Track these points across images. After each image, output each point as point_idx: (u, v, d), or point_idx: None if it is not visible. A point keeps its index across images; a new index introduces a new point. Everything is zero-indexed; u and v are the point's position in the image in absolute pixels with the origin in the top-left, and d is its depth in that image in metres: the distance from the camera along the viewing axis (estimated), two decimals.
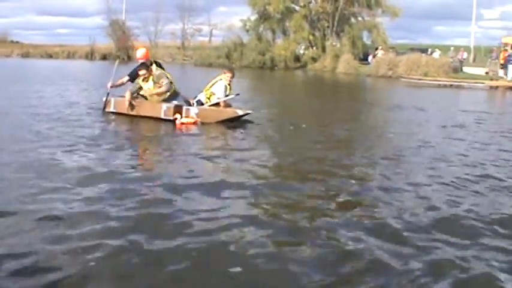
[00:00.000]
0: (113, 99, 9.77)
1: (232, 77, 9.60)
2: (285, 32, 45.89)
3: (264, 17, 44.70)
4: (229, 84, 9.48)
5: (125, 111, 9.45)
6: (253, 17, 45.08)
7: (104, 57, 47.60)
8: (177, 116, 8.91)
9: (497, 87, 23.66)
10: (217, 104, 9.31)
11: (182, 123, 8.79)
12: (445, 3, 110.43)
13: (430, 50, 35.45)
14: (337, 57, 38.86)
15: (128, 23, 52.52)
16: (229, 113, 9.08)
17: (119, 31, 50.42)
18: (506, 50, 28.42)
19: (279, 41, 45.84)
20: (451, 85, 24.49)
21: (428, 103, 15.56)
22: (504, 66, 25.96)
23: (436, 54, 34.25)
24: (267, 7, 43.40)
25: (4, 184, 4.83)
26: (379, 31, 42.14)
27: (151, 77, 9.49)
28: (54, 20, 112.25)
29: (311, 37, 43.72)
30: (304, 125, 9.66)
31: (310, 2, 44.22)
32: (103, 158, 6.08)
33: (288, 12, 43.95)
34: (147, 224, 3.93)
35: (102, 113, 9.81)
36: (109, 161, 5.97)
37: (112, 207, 4.27)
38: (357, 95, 20.67)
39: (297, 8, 44.61)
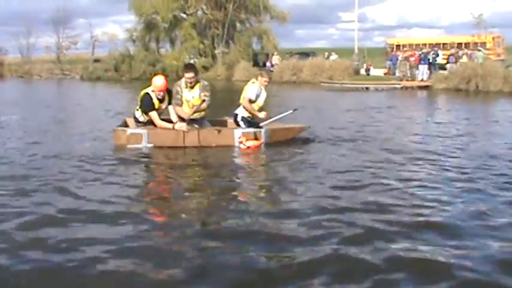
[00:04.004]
0: (145, 131, 7.48)
1: (269, 81, 8.25)
2: (172, 42, 43.45)
3: (150, 26, 41.80)
4: (264, 88, 8.11)
5: (171, 144, 7.46)
6: (139, 27, 42.08)
7: None
8: (242, 139, 7.66)
9: (411, 87, 23.62)
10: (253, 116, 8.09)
11: (248, 147, 7.60)
12: (304, 8, 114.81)
13: (326, 53, 34.94)
14: (230, 65, 37.26)
15: None
16: (297, 129, 8.18)
17: None
18: (405, 51, 28.80)
19: (163, 50, 43.50)
20: (367, 88, 23.82)
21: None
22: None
23: (333, 57, 33.73)
24: (154, 16, 40.65)
25: None
26: (269, 37, 41.31)
27: (198, 84, 7.55)
28: None
29: (201, 46, 41.65)
30: None
31: (197, 10, 42.13)
32: None
33: (176, 21, 41.41)
34: None
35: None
36: None
37: None
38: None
39: (184, 16, 42.30)
